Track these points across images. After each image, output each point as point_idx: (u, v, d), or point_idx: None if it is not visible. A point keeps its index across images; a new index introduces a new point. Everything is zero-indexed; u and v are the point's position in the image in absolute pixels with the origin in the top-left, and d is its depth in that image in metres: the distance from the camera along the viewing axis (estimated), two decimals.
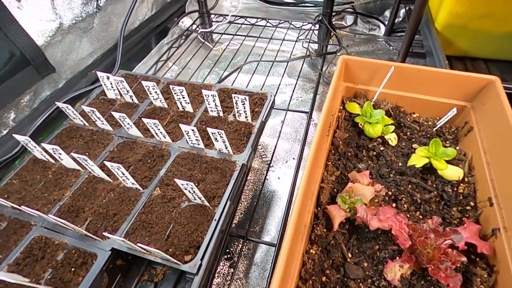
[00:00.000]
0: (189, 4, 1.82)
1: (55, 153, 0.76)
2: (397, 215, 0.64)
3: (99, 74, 0.96)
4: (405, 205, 0.73)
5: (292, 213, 0.58)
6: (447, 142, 0.88)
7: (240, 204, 1.02)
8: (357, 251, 0.66)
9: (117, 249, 0.64)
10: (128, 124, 0.84)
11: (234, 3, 2.02)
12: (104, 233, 0.60)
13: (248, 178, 1.10)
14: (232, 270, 0.86)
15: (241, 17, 1.77)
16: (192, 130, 0.77)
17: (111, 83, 0.98)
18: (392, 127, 0.89)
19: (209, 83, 1.07)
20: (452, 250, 0.60)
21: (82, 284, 0.59)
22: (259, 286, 0.83)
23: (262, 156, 1.17)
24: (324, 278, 0.62)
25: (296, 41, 1.58)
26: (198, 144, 0.82)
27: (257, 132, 0.87)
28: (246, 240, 0.84)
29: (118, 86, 0.96)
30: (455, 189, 0.76)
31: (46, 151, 0.78)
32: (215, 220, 0.67)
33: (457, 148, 0.86)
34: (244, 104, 0.85)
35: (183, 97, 0.91)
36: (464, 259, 0.59)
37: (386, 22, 1.79)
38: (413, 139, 0.90)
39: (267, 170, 1.00)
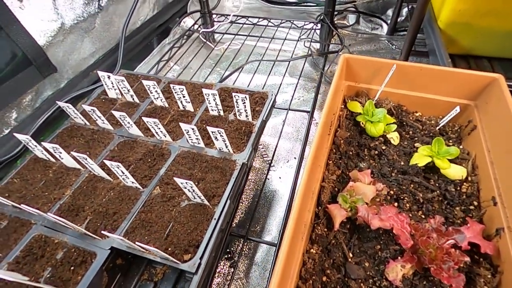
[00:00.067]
0: (191, 4, 1.82)
1: (55, 152, 0.76)
2: (399, 214, 0.63)
3: (100, 73, 0.96)
4: (407, 205, 0.72)
5: (292, 213, 0.57)
6: (450, 141, 0.87)
7: (241, 204, 1.02)
8: (358, 250, 0.65)
9: (116, 248, 0.64)
10: (129, 123, 0.84)
11: (236, 3, 2.02)
12: (103, 232, 0.60)
13: (249, 177, 1.10)
14: (232, 269, 0.85)
15: (243, 17, 1.76)
16: (192, 129, 0.77)
17: (112, 83, 0.98)
18: (394, 126, 0.88)
19: (210, 82, 1.07)
20: (455, 250, 0.58)
21: (81, 283, 0.59)
22: (259, 286, 0.83)
23: (264, 156, 1.16)
24: (324, 278, 0.61)
25: (298, 40, 1.57)
26: (198, 143, 0.82)
27: (258, 131, 0.86)
28: (247, 239, 0.84)
29: (119, 86, 0.96)
30: (458, 188, 0.75)
31: (46, 150, 0.78)
32: (215, 219, 0.67)
33: (460, 147, 0.85)
34: (244, 103, 0.84)
35: (184, 96, 0.91)
36: (467, 259, 0.58)
37: (389, 21, 1.78)
38: (416, 138, 0.88)
39: (268, 170, 0.99)
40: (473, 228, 0.62)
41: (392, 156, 0.83)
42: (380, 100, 0.97)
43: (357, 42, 1.75)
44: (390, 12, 1.82)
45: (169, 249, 0.63)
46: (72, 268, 0.62)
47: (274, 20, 1.72)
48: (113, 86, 1.00)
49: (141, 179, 0.77)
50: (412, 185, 0.76)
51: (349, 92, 1.02)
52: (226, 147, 0.79)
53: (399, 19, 1.73)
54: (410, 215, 0.70)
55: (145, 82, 0.90)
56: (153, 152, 0.83)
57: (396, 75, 0.88)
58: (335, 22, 1.72)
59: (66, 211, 0.71)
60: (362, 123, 0.91)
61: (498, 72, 0.83)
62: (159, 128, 0.82)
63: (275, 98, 0.97)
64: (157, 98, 0.95)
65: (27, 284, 0.59)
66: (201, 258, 0.61)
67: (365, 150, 0.87)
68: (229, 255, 0.89)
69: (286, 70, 1.37)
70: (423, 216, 0.71)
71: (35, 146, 0.79)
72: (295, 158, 1.16)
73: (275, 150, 1.03)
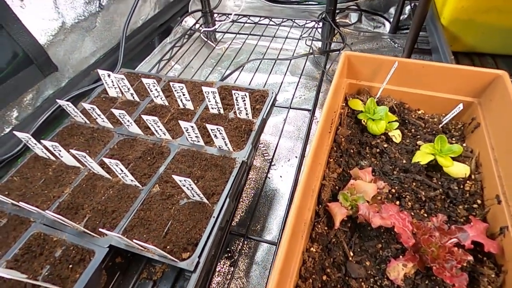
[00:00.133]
0: (192, 4, 1.82)
1: (55, 150, 0.76)
2: (401, 212, 0.62)
3: (100, 72, 0.96)
4: (409, 203, 0.71)
5: (291, 211, 0.56)
6: (453, 139, 0.86)
7: (241, 203, 1.01)
8: (359, 249, 0.65)
9: (115, 246, 0.64)
10: (128, 121, 0.84)
11: (237, 2, 2.01)
12: (100, 230, 0.59)
13: (250, 176, 1.09)
14: (232, 268, 0.85)
15: (244, 15, 1.76)
16: (192, 127, 0.76)
17: (112, 81, 0.98)
18: (396, 124, 0.87)
19: (210, 81, 1.07)
20: (458, 249, 0.57)
21: (79, 281, 0.59)
22: (259, 285, 0.82)
23: (264, 155, 1.16)
24: (324, 277, 0.60)
25: (299, 39, 1.57)
26: (198, 141, 0.82)
27: (258, 129, 0.86)
28: (247, 238, 0.83)
29: (119, 84, 0.96)
30: (462, 186, 0.74)
31: (46, 148, 0.78)
32: (214, 217, 0.66)
33: (464, 145, 0.83)
34: (244, 100, 0.84)
35: (184, 94, 0.91)
36: (470, 258, 0.56)
37: (391, 19, 1.76)
38: (418, 136, 0.87)
39: (269, 168, 0.98)
40: (477, 227, 0.61)
41: (394, 154, 0.82)
42: (382, 98, 0.95)
43: (359, 40, 1.74)
44: (392, 10, 1.81)
45: (168, 247, 0.62)
46: (70, 266, 0.61)
47: (276, 19, 1.72)
48: (113, 85, 1.00)
49: (140, 177, 0.77)
50: (414, 183, 0.75)
51: (351, 90, 1.01)
52: (226, 145, 0.79)
53: (401, 17, 1.72)
54: (412, 213, 0.69)
55: (144, 80, 0.90)
56: (153, 150, 0.83)
57: (398, 72, 0.87)
58: (337, 20, 1.71)
59: (65, 209, 0.71)
60: (364, 121, 0.90)
61: (502, 69, 0.81)
62: (159, 126, 0.81)
63: (275, 96, 0.96)
64: (157, 96, 0.95)
65: (25, 282, 0.59)
66: (199, 256, 0.60)
67: (367, 148, 0.86)
68: (229, 254, 0.88)
69: (288, 69, 1.37)
70: (425, 215, 0.69)
71: (35, 144, 0.79)
72: (296, 157, 1.16)
73: (275, 148, 1.02)
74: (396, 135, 0.86)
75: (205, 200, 0.69)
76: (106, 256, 0.63)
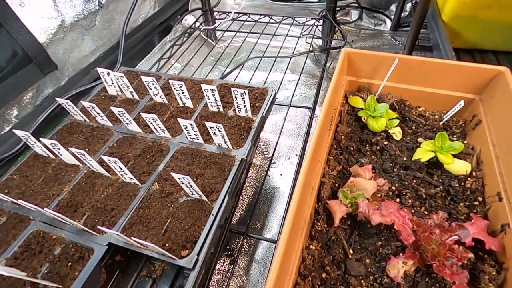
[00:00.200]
0: (192, 2, 1.82)
1: (54, 148, 0.75)
2: (401, 210, 0.62)
3: (100, 70, 0.96)
4: (410, 200, 0.71)
5: (290, 208, 0.56)
6: (454, 136, 0.85)
7: (241, 201, 1.01)
8: (358, 247, 0.64)
9: (114, 244, 0.64)
10: (127, 119, 0.83)
11: (237, 0, 2.01)
12: (100, 228, 0.59)
13: (250, 174, 1.09)
14: (232, 266, 0.84)
15: (244, 14, 1.75)
16: (191, 124, 0.76)
17: (111, 79, 0.98)
18: (397, 121, 0.86)
19: (210, 79, 1.06)
20: (459, 247, 0.57)
21: (78, 279, 0.58)
22: (259, 283, 0.82)
23: (264, 153, 1.15)
24: (324, 275, 0.60)
25: (300, 37, 1.56)
26: (197, 139, 0.81)
27: (258, 127, 0.85)
28: (246, 236, 0.83)
29: (119, 82, 0.96)
30: (463, 183, 0.73)
31: (46, 146, 0.78)
32: (213, 215, 0.66)
33: (465, 142, 0.83)
34: (243, 98, 0.83)
35: (183, 92, 0.90)
36: (471, 255, 0.56)
37: (392, 17, 1.75)
38: (419, 133, 0.87)
39: (269, 166, 0.98)
40: (478, 224, 0.60)
41: (394, 151, 0.82)
42: (382, 95, 0.95)
43: (360, 38, 1.73)
44: (393, 8, 1.80)
45: (167, 245, 0.62)
46: (69, 263, 0.61)
47: (276, 17, 1.71)
48: (112, 83, 0.99)
49: (140, 175, 0.77)
50: (414, 181, 0.75)
51: (351, 87, 1.00)
52: (225, 142, 0.78)
53: (402, 15, 1.71)
54: (413, 211, 0.68)
55: (144, 79, 0.90)
56: (152, 148, 0.83)
57: (398, 69, 0.87)
58: (338, 18, 1.70)
59: (65, 207, 0.71)
60: (364, 118, 0.89)
61: (504, 66, 0.80)
62: (158, 124, 0.81)
63: (275, 94, 0.96)
64: (157, 94, 0.95)
65: (24, 279, 0.59)
66: (198, 254, 0.60)
67: (367, 145, 0.85)
68: (229, 252, 0.88)
69: (288, 67, 1.36)
70: (426, 212, 0.69)
71: (34, 142, 0.79)
72: (296, 155, 1.15)
73: (275, 146, 1.02)
74: (397, 132, 0.86)
75: (204, 198, 0.69)
76: (105, 254, 0.63)
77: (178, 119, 0.76)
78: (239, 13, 1.77)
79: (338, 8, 1.64)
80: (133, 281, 0.69)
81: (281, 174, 1.09)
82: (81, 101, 0.91)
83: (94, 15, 1.20)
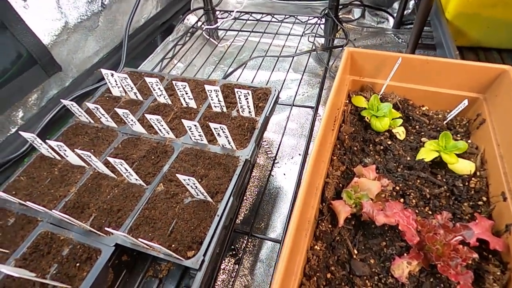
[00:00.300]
0: (194, 1, 1.82)
1: (60, 150, 0.76)
2: (405, 210, 0.62)
3: (104, 71, 0.97)
4: (414, 201, 0.71)
5: (295, 209, 0.57)
6: (458, 135, 0.85)
7: (245, 201, 1.02)
8: (363, 247, 0.65)
9: (121, 244, 0.64)
10: (132, 120, 0.84)
11: None
12: (106, 229, 0.60)
13: (254, 174, 1.09)
14: (237, 266, 0.85)
15: (246, 13, 1.75)
16: (195, 125, 0.77)
17: (115, 80, 0.99)
18: (400, 121, 0.86)
19: (213, 79, 1.07)
20: (463, 247, 0.57)
21: (86, 279, 0.59)
22: (264, 283, 0.83)
23: (268, 152, 1.16)
24: (329, 275, 0.60)
25: (302, 35, 1.55)
26: (201, 140, 0.82)
27: (261, 127, 0.86)
28: (251, 236, 0.83)
29: (122, 83, 0.96)
30: (467, 183, 0.73)
31: (52, 148, 0.79)
32: (218, 215, 0.66)
33: (469, 141, 0.83)
34: (247, 98, 0.84)
35: (186, 93, 0.91)
36: (475, 255, 0.56)
37: (395, 15, 1.74)
38: (422, 133, 0.87)
39: (272, 166, 0.99)
40: (482, 224, 0.61)
41: (398, 151, 0.82)
42: (385, 95, 0.95)
43: (362, 36, 1.73)
44: (396, 5, 1.79)
45: (173, 245, 0.63)
46: (77, 264, 0.62)
47: (278, 16, 1.71)
48: (116, 84, 1.00)
49: (145, 176, 0.77)
50: (418, 181, 0.75)
51: (354, 86, 1.00)
52: (229, 143, 0.79)
53: (405, 12, 1.70)
54: (417, 211, 0.69)
55: (148, 79, 0.90)
56: (157, 149, 0.84)
57: (402, 68, 0.86)
58: (340, 16, 1.70)
59: (72, 208, 0.72)
60: (367, 118, 0.89)
61: (508, 64, 0.80)
62: (162, 125, 0.82)
63: (278, 94, 0.96)
64: (160, 95, 0.95)
65: (34, 280, 0.60)
66: (204, 254, 0.61)
67: (370, 145, 0.85)
68: (234, 252, 0.89)
69: (290, 66, 1.36)
70: (430, 212, 0.69)
71: (41, 144, 0.79)
72: (299, 154, 1.15)
73: (279, 146, 1.02)
74: (400, 132, 0.86)
75: (209, 198, 0.69)
76: (112, 255, 0.64)
77: (183, 120, 0.76)
78: (241, 12, 1.76)
79: (340, 7, 1.63)
80: (140, 281, 0.70)
81: (284, 174, 1.10)
82: (86, 102, 0.92)
83: (97, 16, 1.20)
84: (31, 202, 0.64)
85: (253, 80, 1.35)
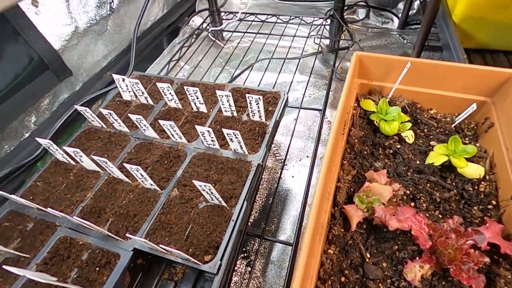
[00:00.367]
0: (199, 3, 1.82)
1: (76, 156, 0.78)
2: (417, 215, 0.63)
3: (115, 76, 0.98)
4: (424, 204, 0.72)
5: (310, 214, 0.58)
6: (466, 138, 0.86)
7: (255, 203, 1.03)
8: (375, 251, 0.66)
9: (139, 249, 0.66)
10: (145, 125, 0.85)
11: (243, 0, 2.01)
12: (127, 235, 0.61)
13: (263, 176, 1.11)
14: (249, 268, 0.87)
15: (251, 14, 1.76)
16: (208, 131, 0.78)
17: (126, 85, 1.00)
18: (409, 125, 0.87)
19: (221, 82, 1.08)
20: (474, 251, 0.59)
21: (107, 283, 0.61)
22: (276, 285, 0.84)
23: (276, 155, 1.17)
24: (343, 279, 0.62)
25: (308, 37, 1.56)
26: (214, 145, 0.83)
27: (272, 132, 0.87)
28: (263, 239, 0.85)
29: (134, 88, 0.98)
30: (476, 187, 0.74)
31: (68, 154, 0.80)
32: (233, 220, 0.68)
33: (477, 144, 0.84)
34: (258, 104, 0.85)
35: (197, 98, 0.92)
36: (487, 260, 0.58)
37: (400, 15, 1.75)
38: (431, 136, 0.88)
39: (282, 169, 1.00)
40: (492, 228, 0.62)
41: (407, 155, 0.83)
42: (393, 98, 0.96)
43: (367, 37, 1.73)
44: (401, 6, 1.79)
45: (190, 250, 0.64)
46: (97, 268, 0.64)
47: (283, 17, 1.71)
48: (127, 89, 1.01)
49: (159, 181, 0.79)
50: (428, 185, 0.76)
51: (362, 90, 1.01)
52: (241, 148, 0.80)
53: (410, 12, 1.70)
54: (427, 215, 0.70)
55: (159, 85, 0.91)
56: (169, 154, 0.85)
57: (410, 72, 0.87)
58: (345, 16, 1.70)
59: (88, 213, 0.73)
60: (376, 122, 0.90)
61: None
62: (175, 131, 0.83)
63: (287, 98, 0.97)
64: (171, 100, 0.96)
65: (55, 284, 0.61)
66: (221, 259, 0.62)
67: (380, 149, 0.86)
68: (245, 254, 0.90)
69: (297, 68, 1.37)
70: (440, 216, 0.70)
71: (56, 149, 0.81)
72: (307, 156, 1.17)
73: (288, 149, 1.03)
74: (409, 136, 0.87)
75: (223, 203, 0.71)
76: (130, 259, 0.65)
77: (196, 126, 0.77)
78: (246, 13, 1.77)
79: (345, 7, 1.64)
80: (156, 283, 0.71)
81: (293, 176, 1.11)
82: (100, 108, 0.93)
83: (106, 20, 1.21)
84: (50, 208, 0.66)
85: (260, 82, 1.35)
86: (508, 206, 0.68)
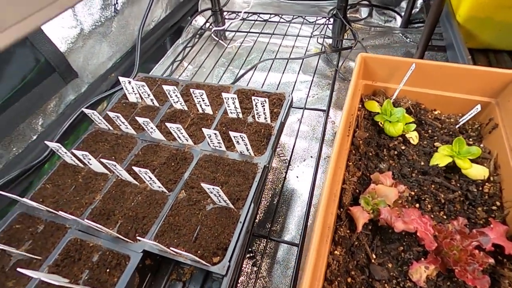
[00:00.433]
0: (201, 3, 1.82)
1: (84, 159, 0.79)
2: (422, 216, 0.64)
3: (121, 79, 0.99)
4: (429, 206, 0.73)
5: (317, 216, 0.59)
6: (470, 139, 0.87)
7: (260, 204, 1.04)
8: (381, 252, 0.67)
9: (148, 251, 0.67)
10: (152, 128, 0.86)
11: None
12: (137, 237, 0.63)
13: (268, 177, 1.11)
14: (255, 268, 0.88)
15: (254, 13, 1.76)
16: (215, 134, 0.79)
17: (132, 88, 1.01)
18: (414, 126, 0.88)
19: (226, 83, 1.08)
20: (479, 252, 0.59)
21: (118, 285, 0.62)
22: (282, 284, 0.86)
23: (280, 155, 1.18)
24: (349, 279, 0.63)
25: (311, 37, 1.56)
26: (220, 147, 0.84)
27: (277, 133, 0.88)
28: (269, 239, 0.86)
29: (140, 90, 0.98)
30: (480, 188, 0.75)
31: (77, 157, 0.81)
32: (241, 222, 0.69)
33: (481, 145, 0.84)
34: (263, 106, 0.86)
35: (203, 100, 0.93)
36: (491, 261, 0.59)
37: (403, 13, 1.74)
38: (435, 137, 0.88)
39: (287, 170, 1.01)
40: (497, 229, 0.63)
41: (411, 156, 0.84)
42: (398, 99, 0.96)
43: (370, 36, 1.73)
44: (404, 4, 1.79)
45: (199, 252, 0.66)
46: (108, 270, 0.65)
47: (286, 16, 1.71)
48: (133, 91, 1.02)
49: (166, 183, 0.80)
50: (433, 186, 0.77)
51: (366, 91, 1.02)
52: (248, 150, 0.81)
53: (413, 11, 1.70)
54: (432, 216, 0.71)
55: (165, 87, 0.92)
56: (176, 156, 0.86)
57: (414, 73, 0.88)
58: (347, 15, 1.70)
59: (98, 215, 0.75)
60: (381, 123, 0.91)
61: None
62: (182, 133, 0.84)
63: (292, 99, 0.98)
64: (177, 102, 0.97)
65: (67, 286, 0.63)
66: (229, 260, 0.63)
67: (384, 150, 0.87)
68: (251, 254, 0.92)
69: (300, 68, 1.37)
70: (444, 217, 0.71)
71: (65, 152, 0.82)
72: (311, 157, 1.18)
73: (292, 150, 1.04)
74: (414, 137, 0.88)
75: (231, 205, 0.72)
76: (140, 260, 0.67)
77: (203, 129, 0.78)
78: (248, 12, 1.77)
79: (348, 7, 1.63)
80: (164, 284, 0.73)
81: (297, 176, 1.12)
82: (107, 111, 0.94)
83: (110, 21, 1.22)
84: (61, 211, 0.67)
85: (264, 82, 1.36)
86: None
